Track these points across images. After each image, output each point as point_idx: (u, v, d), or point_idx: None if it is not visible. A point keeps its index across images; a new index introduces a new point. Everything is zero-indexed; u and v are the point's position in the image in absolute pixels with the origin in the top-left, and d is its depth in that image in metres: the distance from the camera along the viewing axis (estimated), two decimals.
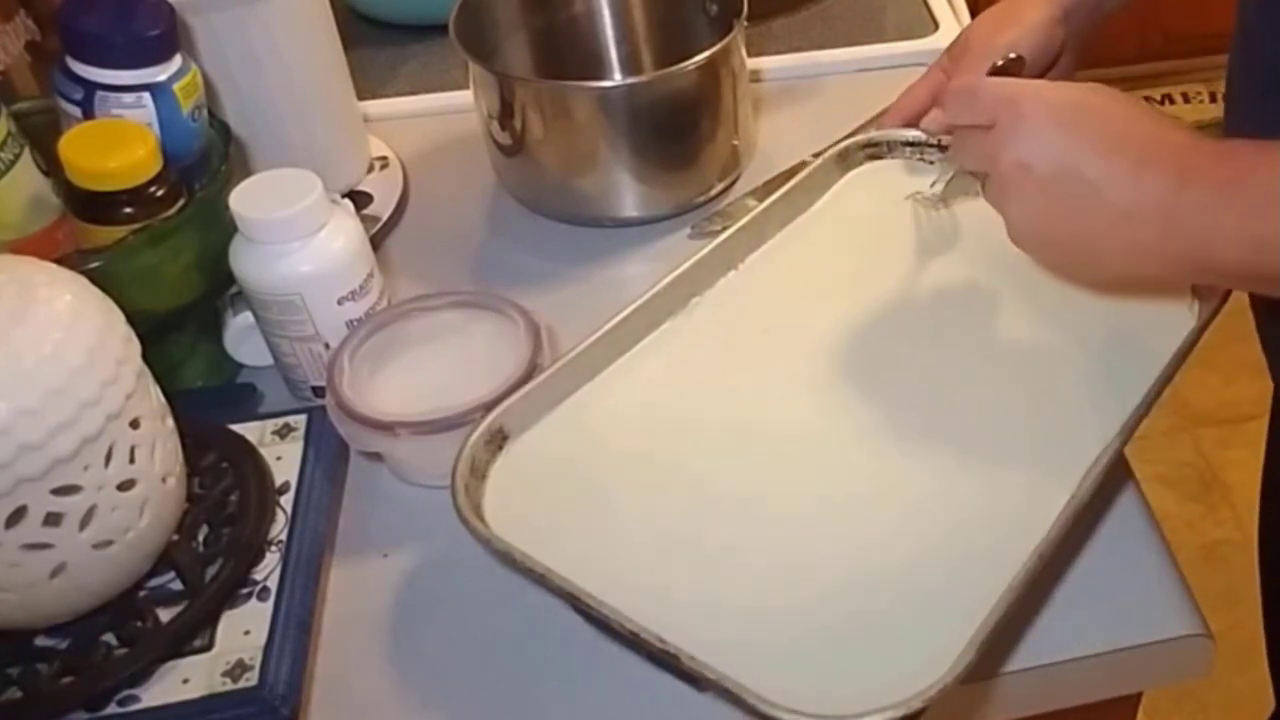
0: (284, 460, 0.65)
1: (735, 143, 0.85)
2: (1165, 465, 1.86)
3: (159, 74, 0.67)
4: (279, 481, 0.63)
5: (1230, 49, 0.79)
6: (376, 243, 0.82)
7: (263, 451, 0.64)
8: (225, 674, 0.55)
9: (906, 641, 0.52)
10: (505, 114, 0.82)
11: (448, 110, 0.95)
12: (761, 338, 0.68)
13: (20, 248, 0.65)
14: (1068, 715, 0.60)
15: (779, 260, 0.72)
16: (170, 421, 0.58)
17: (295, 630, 0.57)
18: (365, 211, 0.85)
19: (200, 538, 0.60)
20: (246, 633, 0.57)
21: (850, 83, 0.96)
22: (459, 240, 0.86)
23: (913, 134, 0.76)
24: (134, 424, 0.54)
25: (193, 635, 0.56)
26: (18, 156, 0.66)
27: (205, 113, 0.71)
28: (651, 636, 0.51)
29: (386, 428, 0.63)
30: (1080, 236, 0.56)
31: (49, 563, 0.53)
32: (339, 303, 0.67)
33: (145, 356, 0.56)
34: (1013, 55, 0.59)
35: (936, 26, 1.02)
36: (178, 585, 0.58)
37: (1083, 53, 0.77)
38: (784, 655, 0.53)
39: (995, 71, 0.59)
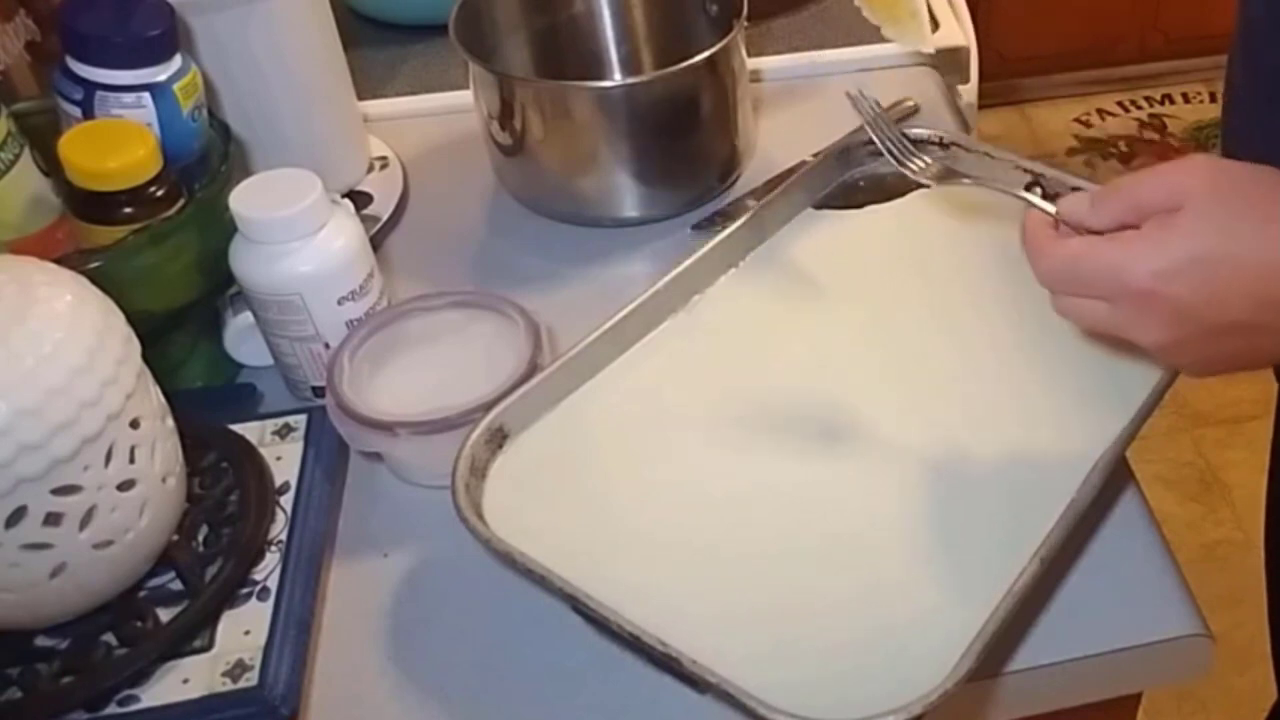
0: (284, 460, 0.65)
1: (735, 143, 0.85)
2: (1165, 465, 1.86)
3: (159, 74, 0.67)
4: (279, 481, 0.63)
5: (1230, 51, 0.78)
6: (376, 243, 0.82)
7: (263, 451, 0.64)
8: (225, 674, 0.55)
9: (907, 645, 0.52)
10: (505, 114, 0.82)
11: (448, 110, 0.95)
12: (763, 335, 0.68)
13: (20, 248, 0.65)
14: (1068, 715, 0.60)
15: (780, 258, 0.72)
16: (170, 421, 0.58)
17: (295, 630, 0.57)
18: (365, 211, 0.85)
19: (200, 538, 0.60)
20: (246, 633, 0.57)
21: (850, 83, 0.96)
22: (459, 240, 0.86)
23: (916, 131, 0.76)
24: (134, 424, 0.54)
25: (193, 635, 0.56)
26: (18, 156, 0.66)
27: (205, 113, 0.71)
28: (652, 639, 0.51)
29: (386, 428, 0.63)
30: (1241, 364, 0.53)
31: (49, 563, 0.52)
32: (339, 303, 0.67)
33: (145, 356, 0.56)
34: None
35: (936, 26, 1.02)
36: (178, 585, 0.58)
37: None
38: (785, 658, 0.53)
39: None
